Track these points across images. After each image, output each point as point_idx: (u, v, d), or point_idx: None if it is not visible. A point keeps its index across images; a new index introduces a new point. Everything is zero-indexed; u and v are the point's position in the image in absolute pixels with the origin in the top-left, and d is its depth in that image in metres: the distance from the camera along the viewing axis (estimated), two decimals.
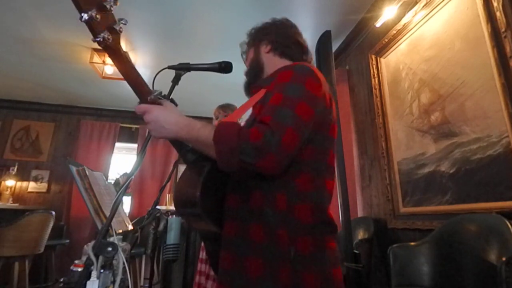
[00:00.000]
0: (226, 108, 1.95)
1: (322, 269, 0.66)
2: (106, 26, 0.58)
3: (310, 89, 0.71)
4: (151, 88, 0.74)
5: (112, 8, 0.58)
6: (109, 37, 0.59)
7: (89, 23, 0.56)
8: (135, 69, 0.69)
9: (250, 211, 0.69)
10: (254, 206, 0.69)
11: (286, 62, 0.88)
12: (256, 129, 0.63)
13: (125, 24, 0.62)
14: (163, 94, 0.76)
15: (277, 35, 0.91)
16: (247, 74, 0.94)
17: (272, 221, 0.67)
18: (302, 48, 0.91)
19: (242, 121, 1.11)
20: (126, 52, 0.67)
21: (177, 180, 0.80)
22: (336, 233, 0.74)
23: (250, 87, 0.91)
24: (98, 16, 0.56)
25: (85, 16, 0.55)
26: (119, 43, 0.63)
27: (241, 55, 0.99)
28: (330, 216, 0.72)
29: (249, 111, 0.85)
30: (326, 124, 0.75)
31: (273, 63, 0.88)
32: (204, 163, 0.72)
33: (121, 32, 0.61)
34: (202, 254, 1.73)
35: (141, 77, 0.70)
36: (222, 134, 0.65)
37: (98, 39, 0.58)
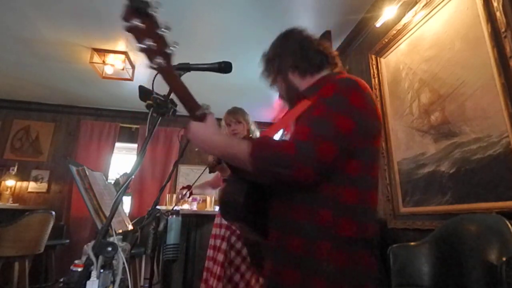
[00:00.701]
0: (235, 114, 1.89)
1: (355, 285, 0.66)
2: (160, 52, 0.62)
3: (354, 102, 0.71)
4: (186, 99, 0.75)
5: (165, 34, 0.62)
6: (163, 62, 0.63)
7: (146, 52, 0.61)
8: (185, 87, 0.72)
9: (291, 223, 0.71)
10: (297, 219, 0.70)
11: (317, 76, 0.88)
12: (292, 141, 0.66)
13: (176, 47, 0.65)
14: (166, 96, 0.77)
15: (295, 56, 0.89)
16: (286, 99, 0.95)
17: (312, 234, 0.68)
18: (322, 56, 0.89)
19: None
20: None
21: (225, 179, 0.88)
22: (375, 248, 0.72)
23: (294, 99, 0.90)
24: (154, 44, 0.60)
25: (142, 46, 0.59)
26: (171, 65, 0.67)
27: (270, 86, 0.98)
28: (372, 231, 0.71)
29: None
30: (371, 136, 0.75)
31: (306, 82, 0.89)
32: None
33: (173, 54, 0.65)
34: (209, 252, 1.75)
35: (191, 94, 0.74)
36: (259, 148, 0.68)
37: (153, 65, 0.63)
